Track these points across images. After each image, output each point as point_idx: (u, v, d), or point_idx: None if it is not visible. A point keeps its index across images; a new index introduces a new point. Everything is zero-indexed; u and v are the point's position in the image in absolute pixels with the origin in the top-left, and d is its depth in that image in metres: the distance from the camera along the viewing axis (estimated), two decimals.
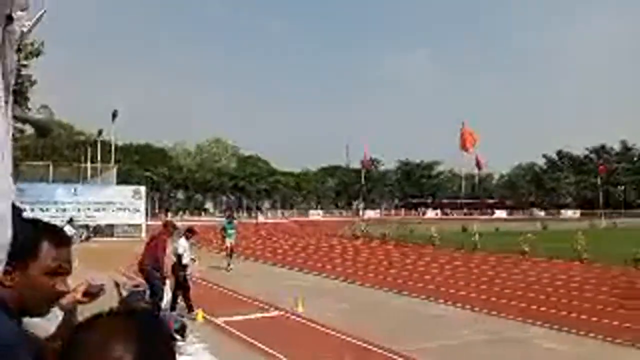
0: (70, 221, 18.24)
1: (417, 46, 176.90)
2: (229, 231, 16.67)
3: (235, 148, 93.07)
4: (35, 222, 1.51)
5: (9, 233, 1.08)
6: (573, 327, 8.49)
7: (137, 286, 8.52)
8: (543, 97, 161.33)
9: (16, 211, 1.60)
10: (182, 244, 9.52)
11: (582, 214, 77.93)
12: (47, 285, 1.43)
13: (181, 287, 9.38)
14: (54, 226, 1.52)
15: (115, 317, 0.86)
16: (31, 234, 1.41)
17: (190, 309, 9.24)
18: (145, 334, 0.83)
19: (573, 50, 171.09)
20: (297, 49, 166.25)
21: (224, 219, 19.06)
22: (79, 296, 1.83)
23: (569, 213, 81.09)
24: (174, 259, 9.34)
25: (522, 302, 10.80)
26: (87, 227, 28.62)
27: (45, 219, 1.61)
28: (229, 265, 15.94)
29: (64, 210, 28.24)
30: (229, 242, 16.39)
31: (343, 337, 7.96)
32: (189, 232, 9.81)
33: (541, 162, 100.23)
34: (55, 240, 1.47)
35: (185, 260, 9.43)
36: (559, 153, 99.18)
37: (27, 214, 1.67)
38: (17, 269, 1.37)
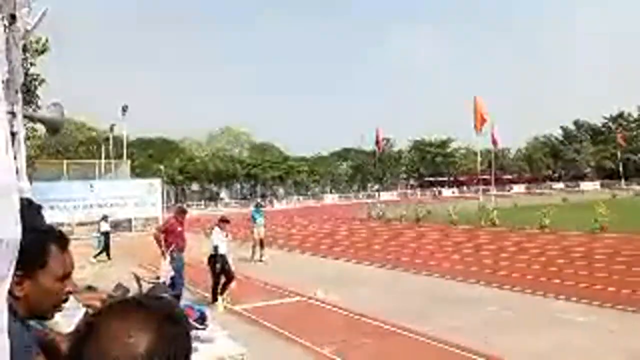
0: (105, 218, 18.51)
1: (425, 21, 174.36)
2: (258, 220, 15.71)
3: (246, 136, 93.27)
4: (39, 227, 1.48)
5: (18, 229, 1.05)
6: (599, 300, 8.36)
7: (157, 278, 8.57)
8: (557, 67, 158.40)
9: (34, 207, 1.57)
10: (217, 235, 9.51)
11: (602, 185, 76.84)
12: (58, 291, 1.43)
13: (218, 276, 9.35)
14: (58, 230, 1.51)
15: (130, 305, 0.86)
16: (38, 241, 1.39)
17: (215, 298, 9.26)
18: (160, 322, 0.82)
19: (587, 17, 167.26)
20: (306, 32, 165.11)
21: (251, 208, 17.61)
22: (98, 304, 1.83)
23: (588, 185, 80.00)
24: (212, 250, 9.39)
25: (547, 276, 10.68)
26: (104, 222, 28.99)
27: (64, 217, 1.57)
28: (261, 256, 15.18)
29: (83, 207, 28.64)
30: (257, 232, 15.51)
31: (364, 319, 7.94)
32: (223, 222, 9.84)
33: (558, 133, 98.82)
34: (61, 245, 1.46)
35: (222, 251, 9.40)
36: (576, 123, 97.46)
37: (44, 212, 1.64)
38: (26, 277, 1.36)
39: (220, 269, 9.32)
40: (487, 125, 24.93)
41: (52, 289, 1.40)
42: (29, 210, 1.39)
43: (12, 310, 1.27)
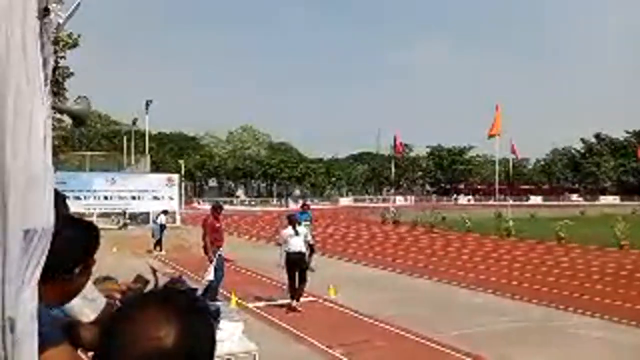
0: (166, 212, 19.24)
1: (446, 30, 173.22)
2: (304, 224, 12.57)
3: (265, 136, 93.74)
4: (81, 221, 1.55)
5: (52, 219, 1.11)
6: (615, 315, 8.25)
7: (177, 275, 8.71)
8: (581, 79, 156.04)
9: (60, 197, 1.64)
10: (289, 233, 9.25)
11: (621, 199, 75.37)
12: (88, 279, 1.50)
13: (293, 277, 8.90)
14: (91, 223, 1.58)
15: (156, 299, 0.87)
16: (89, 236, 1.47)
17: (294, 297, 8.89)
18: (186, 315, 0.83)
19: (609, 30, 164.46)
20: (326, 35, 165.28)
21: (296, 210, 13.69)
22: (117, 296, 1.87)
23: (608, 199, 78.54)
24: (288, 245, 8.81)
25: (563, 289, 10.56)
26: (124, 214, 29.41)
27: (84, 208, 1.66)
28: (309, 263, 12.47)
29: (104, 198, 29.12)
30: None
31: (375, 322, 7.96)
32: (304, 207, 10.10)
33: (579, 146, 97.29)
34: (97, 238, 1.53)
35: (310, 240, 9.74)
36: (597, 136, 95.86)
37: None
38: (77, 272, 1.43)
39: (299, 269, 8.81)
40: (505, 134, 24.62)
41: (84, 280, 1.47)
42: (56, 200, 1.46)
43: (40, 298, 1.34)
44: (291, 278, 8.84)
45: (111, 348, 0.80)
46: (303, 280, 8.93)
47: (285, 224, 9.27)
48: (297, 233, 8.91)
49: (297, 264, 8.82)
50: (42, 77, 1.24)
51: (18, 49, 1.07)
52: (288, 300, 9.09)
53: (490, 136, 24.40)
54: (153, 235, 18.07)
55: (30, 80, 1.10)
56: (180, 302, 0.86)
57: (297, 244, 8.87)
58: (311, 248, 12.04)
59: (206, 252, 9.05)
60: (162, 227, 18.14)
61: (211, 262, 8.92)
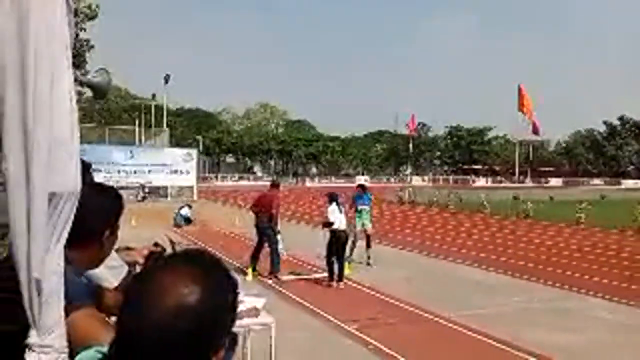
0: (190, 206, 18.61)
1: (469, 8, 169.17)
2: (361, 208, 11.02)
3: (283, 113, 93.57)
4: (107, 187, 1.58)
5: (79, 181, 1.12)
6: (632, 299, 8.17)
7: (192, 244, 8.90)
8: (605, 60, 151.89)
9: (85, 165, 1.66)
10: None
11: None
12: (114, 244, 1.54)
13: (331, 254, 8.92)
14: (115, 189, 1.62)
15: (178, 258, 0.90)
16: (116, 202, 1.50)
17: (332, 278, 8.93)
18: (208, 273, 0.85)
19: (636, 11, 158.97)
20: (345, 12, 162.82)
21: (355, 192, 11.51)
22: (140, 260, 1.91)
23: (629, 182, 77.07)
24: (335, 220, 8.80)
25: (578, 272, 10.48)
26: (142, 188, 29.79)
27: (103, 180, 1.69)
28: (368, 257, 10.86)
29: (123, 172, 29.51)
30: (361, 225, 10.94)
31: (388, 299, 8.00)
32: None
33: (601, 128, 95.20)
34: (122, 203, 1.56)
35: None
36: (621, 118, 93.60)
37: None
38: (106, 237, 1.46)
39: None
40: (527, 113, 24.30)
41: (112, 243, 1.50)
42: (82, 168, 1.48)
43: (69, 264, 1.36)
44: (338, 257, 8.81)
45: (134, 307, 0.81)
46: (341, 258, 8.92)
47: (327, 202, 9.26)
48: (340, 210, 8.99)
49: (344, 242, 8.88)
50: (67, 36, 1.23)
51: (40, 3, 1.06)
52: (301, 276, 9.17)
53: (524, 113, 24.10)
54: (176, 225, 17.31)
55: (53, 35, 1.09)
56: (203, 261, 0.87)
57: (343, 221, 8.97)
58: (367, 238, 10.91)
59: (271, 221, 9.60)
60: (188, 221, 17.66)
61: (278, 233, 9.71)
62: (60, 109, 1.12)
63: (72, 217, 1.11)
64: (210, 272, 0.86)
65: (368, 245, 10.89)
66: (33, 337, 1.05)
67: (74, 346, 1.11)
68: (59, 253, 1.09)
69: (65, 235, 1.10)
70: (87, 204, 1.19)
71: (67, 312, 1.13)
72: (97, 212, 1.40)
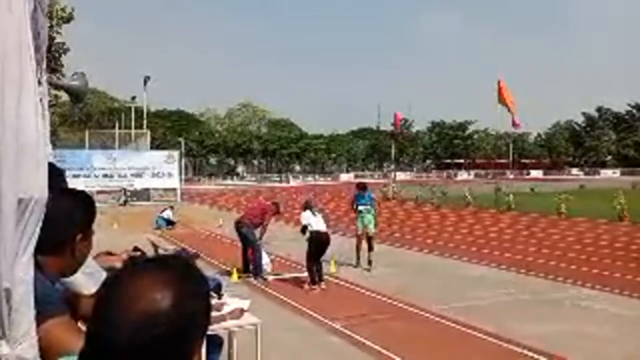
0: (172, 207, 18.76)
1: (450, 4, 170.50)
2: (362, 208, 10.48)
3: (265, 112, 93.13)
4: (78, 192, 1.55)
5: (46, 188, 1.10)
6: (617, 288, 8.32)
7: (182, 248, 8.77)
8: (582, 52, 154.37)
9: (57, 171, 1.63)
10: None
11: (622, 173, 75.29)
12: (89, 250, 1.51)
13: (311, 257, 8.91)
14: (86, 193, 1.60)
15: (152, 263, 0.87)
16: (85, 206, 1.47)
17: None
18: (182, 279, 0.83)
19: (612, 2, 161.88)
20: (326, 10, 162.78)
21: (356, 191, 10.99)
22: (119, 265, 1.89)
23: (608, 172, 78.46)
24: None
25: (563, 262, 10.64)
26: (124, 191, 29.44)
27: (84, 185, 1.66)
28: (369, 262, 10.22)
29: (103, 175, 29.13)
30: (362, 227, 10.42)
31: (375, 295, 8.03)
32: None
33: (580, 119, 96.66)
34: (93, 208, 1.53)
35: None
36: (599, 110, 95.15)
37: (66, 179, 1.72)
38: (78, 242, 1.43)
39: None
40: (505, 108, 24.60)
41: (87, 249, 1.47)
42: (53, 174, 1.45)
43: (41, 271, 1.33)
44: (317, 259, 8.72)
45: (106, 310, 0.79)
46: (319, 260, 8.86)
47: (302, 209, 9.21)
48: (314, 214, 8.94)
49: (326, 244, 8.80)
50: (33, 43, 1.20)
51: (2, 6, 1.04)
52: (287, 275, 9.12)
53: (506, 106, 24.37)
54: (158, 228, 17.04)
55: (19, 43, 1.07)
56: (176, 266, 0.86)
57: (321, 223, 8.89)
58: (369, 240, 10.35)
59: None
60: (169, 223, 17.46)
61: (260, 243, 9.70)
62: (27, 115, 1.10)
63: (40, 223, 1.08)
64: (183, 276, 0.84)
65: (370, 248, 10.33)
66: (4, 348, 1.03)
67: (48, 357, 1.08)
68: (28, 260, 1.07)
69: (34, 242, 1.08)
70: (56, 208, 1.17)
71: (40, 321, 1.11)
72: (66, 217, 1.37)
